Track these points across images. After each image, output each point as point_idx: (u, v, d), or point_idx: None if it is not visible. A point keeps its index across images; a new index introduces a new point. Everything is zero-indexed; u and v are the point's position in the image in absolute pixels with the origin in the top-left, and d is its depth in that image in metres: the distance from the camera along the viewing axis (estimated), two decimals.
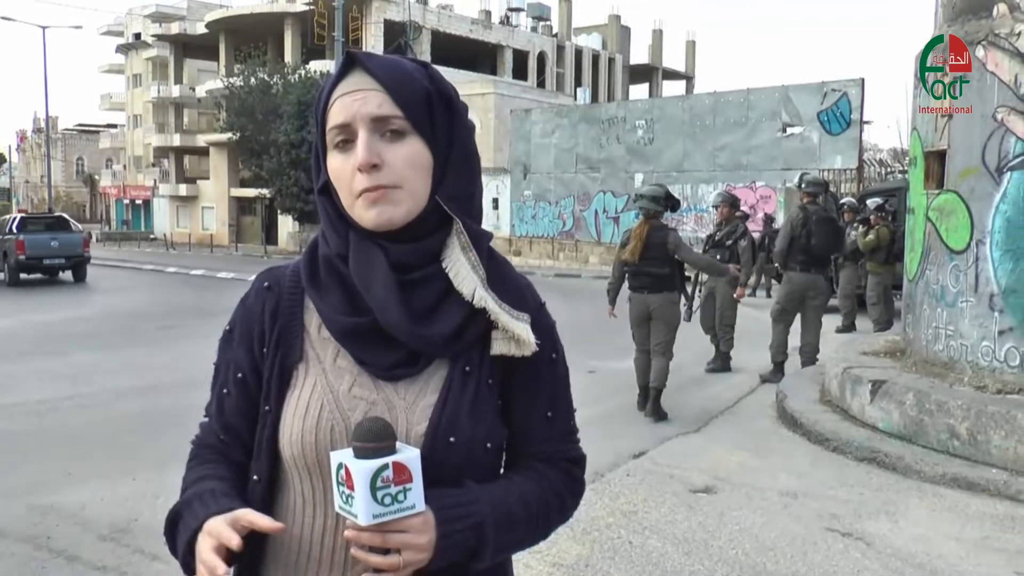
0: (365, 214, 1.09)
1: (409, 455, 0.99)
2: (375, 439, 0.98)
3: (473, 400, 1.13)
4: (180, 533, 1.09)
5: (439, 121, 1.12)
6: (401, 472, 0.98)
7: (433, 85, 1.13)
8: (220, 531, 1.01)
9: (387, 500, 0.97)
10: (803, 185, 8.64)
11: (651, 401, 6.67)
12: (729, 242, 8.54)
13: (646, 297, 6.65)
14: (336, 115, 1.10)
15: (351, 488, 0.97)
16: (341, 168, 1.10)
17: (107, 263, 28.23)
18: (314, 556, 1.11)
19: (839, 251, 9.93)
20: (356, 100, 1.08)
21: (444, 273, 1.12)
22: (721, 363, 8.66)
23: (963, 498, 4.71)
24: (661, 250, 6.55)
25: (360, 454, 0.98)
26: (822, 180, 9.55)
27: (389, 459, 0.98)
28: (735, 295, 8.32)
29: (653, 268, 6.58)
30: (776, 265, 10.56)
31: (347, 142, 1.09)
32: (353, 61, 1.11)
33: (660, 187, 6.99)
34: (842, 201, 12.29)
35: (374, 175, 1.07)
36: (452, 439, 1.09)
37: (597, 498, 4.63)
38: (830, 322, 9.45)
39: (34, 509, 4.48)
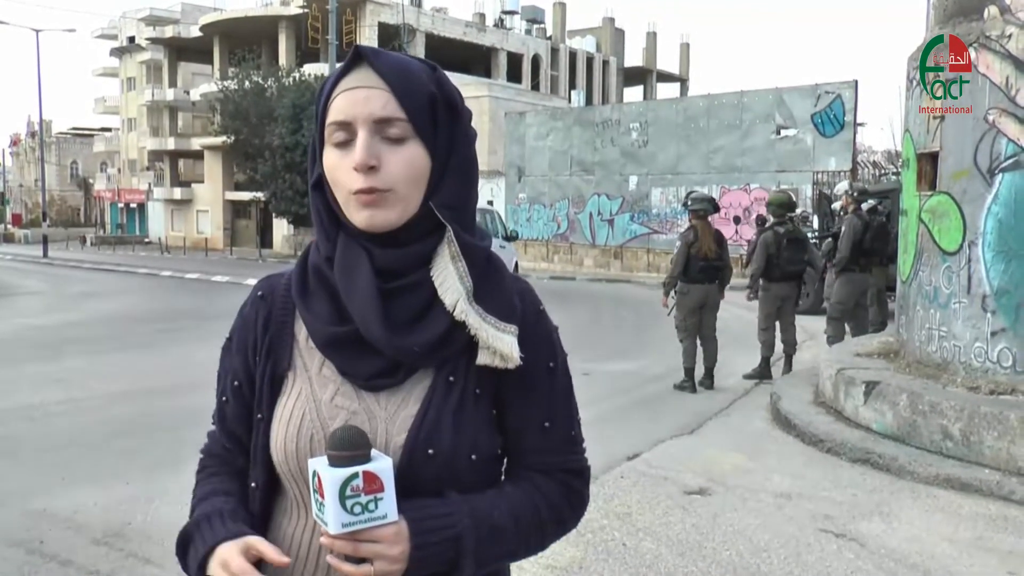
0: (357, 215, 1.08)
1: (381, 465, 0.98)
2: (348, 447, 0.98)
3: (456, 410, 1.10)
4: (191, 556, 1.10)
5: (441, 126, 1.10)
6: (372, 481, 0.97)
7: (439, 89, 1.10)
8: (230, 560, 1.03)
9: (356, 509, 0.97)
10: (855, 193, 9.13)
11: (706, 376, 7.77)
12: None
13: (707, 287, 7.63)
14: (337, 111, 1.07)
15: (323, 496, 0.97)
16: (337, 165, 1.08)
17: (102, 267, 28.17)
18: (301, 557, 1.12)
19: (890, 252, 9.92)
20: (359, 99, 1.06)
21: (431, 280, 1.10)
22: (759, 369, 8.31)
23: (956, 499, 4.72)
24: (724, 246, 7.73)
25: (333, 462, 0.98)
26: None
27: (359, 468, 0.97)
28: (746, 298, 8.36)
29: (719, 262, 7.65)
30: (818, 269, 10.04)
31: (346, 140, 1.07)
32: (360, 56, 1.09)
33: (706, 193, 8.64)
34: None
35: (370, 176, 1.05)
36: (431, 451, 1.07)
37: (591, 500, 4.62)
38: (819, 324, 9.46)
39: (27, 513, 4.46)
